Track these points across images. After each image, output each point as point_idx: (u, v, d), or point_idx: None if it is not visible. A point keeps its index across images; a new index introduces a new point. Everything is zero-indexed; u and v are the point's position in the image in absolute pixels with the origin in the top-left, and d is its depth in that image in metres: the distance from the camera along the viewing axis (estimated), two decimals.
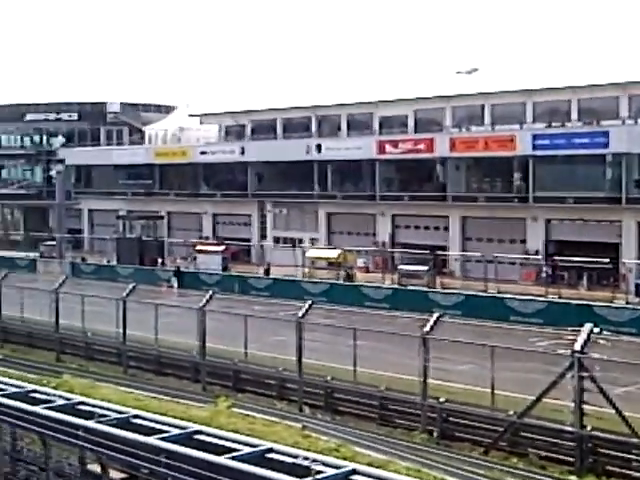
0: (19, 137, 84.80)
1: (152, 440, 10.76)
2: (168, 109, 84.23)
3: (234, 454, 10.15)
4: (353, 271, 49.22)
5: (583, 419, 16.61)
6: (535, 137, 51.69)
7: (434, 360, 19.56)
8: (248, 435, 13.05)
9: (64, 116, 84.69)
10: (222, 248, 56.53)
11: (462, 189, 55.43)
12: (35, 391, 14.17)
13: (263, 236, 64.60)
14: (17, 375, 21.52)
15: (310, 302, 23.01)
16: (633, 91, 50.34)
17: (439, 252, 50.74)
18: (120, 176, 74.21)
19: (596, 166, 49.15)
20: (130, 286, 27.42)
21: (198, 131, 72.76)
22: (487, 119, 56.68)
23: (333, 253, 53.02)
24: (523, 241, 52.40)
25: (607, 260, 43.68)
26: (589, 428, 16.60)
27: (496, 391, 18.76)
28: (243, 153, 65.46)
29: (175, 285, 47.21)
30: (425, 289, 41.77)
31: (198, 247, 57.80)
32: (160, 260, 55.94)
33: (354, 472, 9.51)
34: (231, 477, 9.56)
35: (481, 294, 40.23)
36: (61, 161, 76.44)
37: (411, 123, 60.71)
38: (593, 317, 27.96)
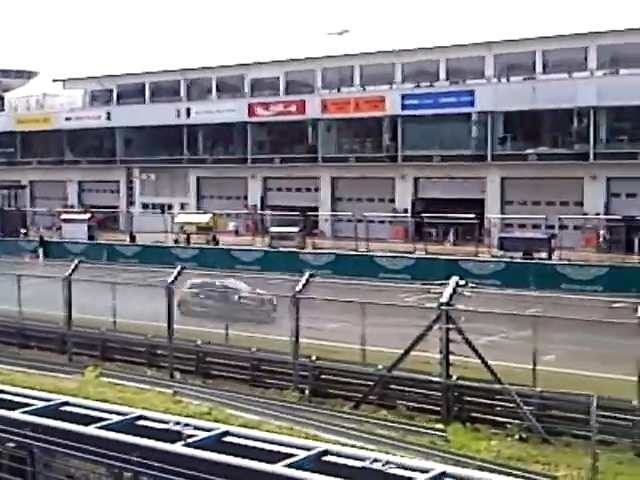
0: None
1: (15, 414, 10.31)
2: (30, 74, 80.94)
3: (103, 423, 9.84)
4: (215, 235, 49.05)
5: (449, 369, 17.03)
6: (404, 97, 52.58)
7: (306, 319, 19.61)
8: (118, 404, 12.76)
9: None
10: (88, 216, 55.20)
11: (333, 150, 55.88)
12: None
13: (131, 203, 63.47)
14: None
15: (180, 267, 22.63)
16: (498, 50, 51.69)
17: (310, 213, 51.09)
18: None
19: (462, 124, 50.52)
20: None
21: (62, 97, 70.39)
22: (357, 80, 57.05)
23: (203, 218, 52.62)
24: (392, 200, 53.32)
25: (472, 215, 44.97)
26: (455, 377, 17.05)
27: (367, 347, 19.00)
28: (109, 118, 64.14)
29: (40, 255, 45.74)
30: (296, 250, 42.01)
31: (63, 216, 56.21)
32: (23, 230, 54.14)
33: (227, 434, 9.34)
34: (100, 446, 9.25)
35: (351, 253, 40.75)
36: None
37: (282, 85, 60.54)
38: (459, 271, 28.72)
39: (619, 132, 48.01)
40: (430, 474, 7.13)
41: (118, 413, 10.29)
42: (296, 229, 46.98)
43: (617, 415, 14.80)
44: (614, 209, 46.85)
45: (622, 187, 47.07)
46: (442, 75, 53.89)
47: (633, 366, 15.26)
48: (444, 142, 50.89)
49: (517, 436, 15.81)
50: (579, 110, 47.28)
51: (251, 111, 58.15)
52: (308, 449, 8.30)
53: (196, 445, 8.82)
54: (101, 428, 9.57)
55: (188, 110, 60.91)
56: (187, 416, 13.37)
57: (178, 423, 9.46)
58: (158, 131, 61.19)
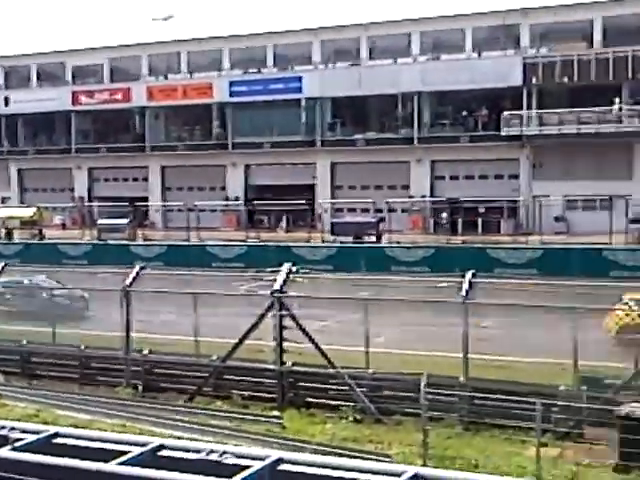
0: None
1: None
2: None
3: None
4: (41, 229, 47.37)
5: (284, 356, 17.12)
6: (232, 84, 52.33)
7: (138, 313, 19.20)
8: None
9: None
10: None
11: (161, 138, 55.03)
12: None
13: None
14: None
15: (3, 264, 21.69)
16: (324, 36, 52.15)
17: (139, 204, 50.07)
18: None
19: (292, 110, 50.80)
20: None
21: None
22: (184, 67, 56.23)
23: (27, 212, 50.58)
24: (223, 188, 53.10)
25: (304, 201, 45.44)
26: (289, 364, 17.16)
27: (201, 338, 18.79)
28: None
29: None
30: (126, 242, 41.14)
31: None
32: None
33: (56, 435, 8.96)
34: None
35: (183, 243, 40.33)
36: None
37: (107, 72, 58.85)
38: (292, 257, 28.83)
39: (442, 116, 49.70)
40: (267, 461, 7.11)
41: None
42: (125, 221, 45.98)
43: (445, 392, 15.29)
44: (438, 191, 48.53)
45: (445, 170, 48.80)
46: (270, 61, 53.93)
47: (459, 343, 15.82)
48: (274, 128, 51.08)
49: (351, 418, 16.08)
50: (403, 95, 48.58)
51: (74, 99, 56.34)
52: (142, 445, 8.08)
53: (24, 449, 8.40)
54: None
55: (6, 99, 58.38)
56: (13, 419, 12.79)
57: (3, 427, 8.98)
58: None
